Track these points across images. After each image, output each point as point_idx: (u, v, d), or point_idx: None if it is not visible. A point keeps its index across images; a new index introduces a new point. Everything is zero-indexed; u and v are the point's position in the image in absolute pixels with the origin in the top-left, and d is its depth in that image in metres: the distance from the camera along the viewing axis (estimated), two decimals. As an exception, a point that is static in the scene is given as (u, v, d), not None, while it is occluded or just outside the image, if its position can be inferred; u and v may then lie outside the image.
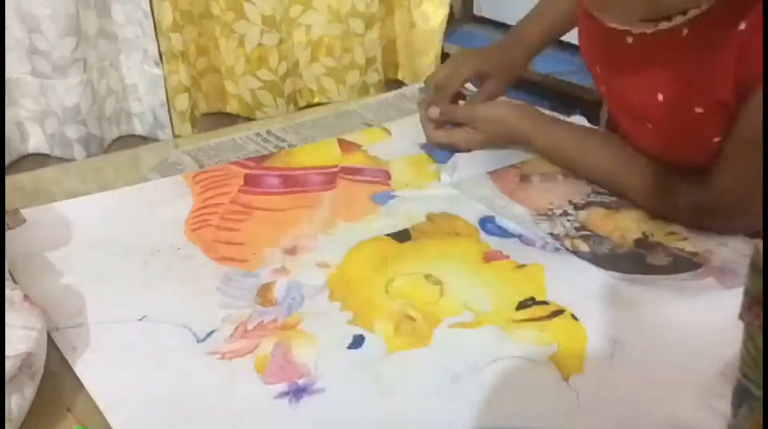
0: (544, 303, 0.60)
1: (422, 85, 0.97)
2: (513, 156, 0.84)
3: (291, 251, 0.67)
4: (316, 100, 1.16)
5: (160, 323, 0.58)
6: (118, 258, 0.66)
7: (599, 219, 0.72)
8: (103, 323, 0.58)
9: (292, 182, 0.80)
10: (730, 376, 0.37)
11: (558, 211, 0.73)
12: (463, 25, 1.47)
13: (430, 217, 0.72)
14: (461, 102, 0.87)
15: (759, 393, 0.34)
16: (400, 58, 1.24)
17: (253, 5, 1.04)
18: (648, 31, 0.65)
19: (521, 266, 0.64)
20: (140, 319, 0.58)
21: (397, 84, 1.24)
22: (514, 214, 0.72)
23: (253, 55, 1.07)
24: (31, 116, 0.95)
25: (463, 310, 0.59)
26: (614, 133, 0.81)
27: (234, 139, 0.91)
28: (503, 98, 0.87)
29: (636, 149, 0.74)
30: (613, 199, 0.75)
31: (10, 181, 0.82)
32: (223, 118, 1.11)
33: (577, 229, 0.70)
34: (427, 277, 0.63)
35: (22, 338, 0.48)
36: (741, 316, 0.35)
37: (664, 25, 0.64)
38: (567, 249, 0.67)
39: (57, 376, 0.52)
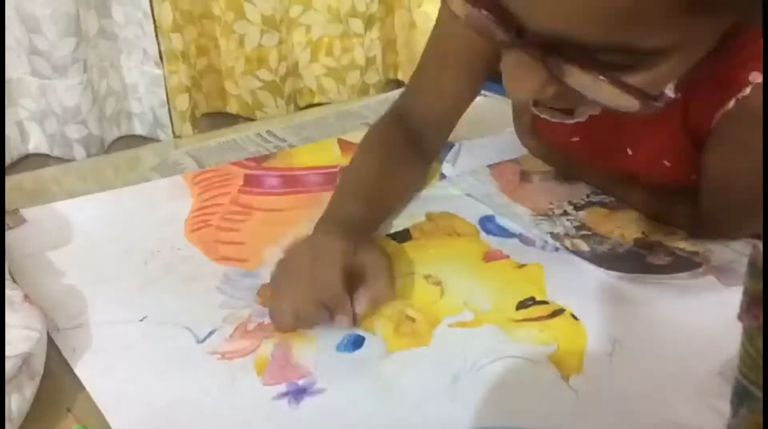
0: (544, 303, 0.60)
1: None
2: (514, 150, 0.84)
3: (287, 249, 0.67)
4: (316, 100, 1.16)
5: (160, 324, 0.58)
6: (119, 258, 0.66)
7: (599, 219, 0.72)
8: (104, 324, 0.58)
9: (292, 182, 0.80)
10: (729, 376, 0.37)
11: (558, 211, 0.73)
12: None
13: (430, 217, 0.72)
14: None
15: (759, 393, 0.34)
16: (400, 59, 1.24)
17: (253, 5, 1.04)
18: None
19: (521, 266, 0.64)
20: (141, 320, 0.58)
21: (397, 84, 1.24)
22: (514, 214, 0.72)
23: (253, 55, 1.07)
24: (31, 116, 0.95)
25: (463, 309, 0.59)
26: None
27: (234, 139, 0.92)
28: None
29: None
30: (613, 198, 0.75)
31: (10, 181, 0.82)
32: (223, 119, 1.11)
33: (577, 228, 0.70)
34: (427, 277, 0.63)
35: (22, 338, 0.48)
36: (740, 317, 0.34)
37: None
38: (567, 249, 0.67)
39: (57, 376, 0.52)
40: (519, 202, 0.75)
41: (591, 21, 0.41)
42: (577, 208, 0.74)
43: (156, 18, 0.96)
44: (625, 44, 0.42)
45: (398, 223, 0.71)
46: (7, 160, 0.94)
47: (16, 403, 0.46)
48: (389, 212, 0.71)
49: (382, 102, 1.03)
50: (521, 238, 0.69)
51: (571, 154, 0.76)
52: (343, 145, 0.88)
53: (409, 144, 0.74)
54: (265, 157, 0.85)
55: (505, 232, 0.70)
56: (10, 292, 0.52)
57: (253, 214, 0.74)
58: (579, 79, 0.44)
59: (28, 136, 0.97)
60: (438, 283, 0.62)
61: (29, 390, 0.47)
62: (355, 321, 0.56)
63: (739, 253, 0.66)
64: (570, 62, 0.43)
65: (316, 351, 0.55)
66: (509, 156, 0.84)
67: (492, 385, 0.51)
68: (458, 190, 0.77)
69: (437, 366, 0.53)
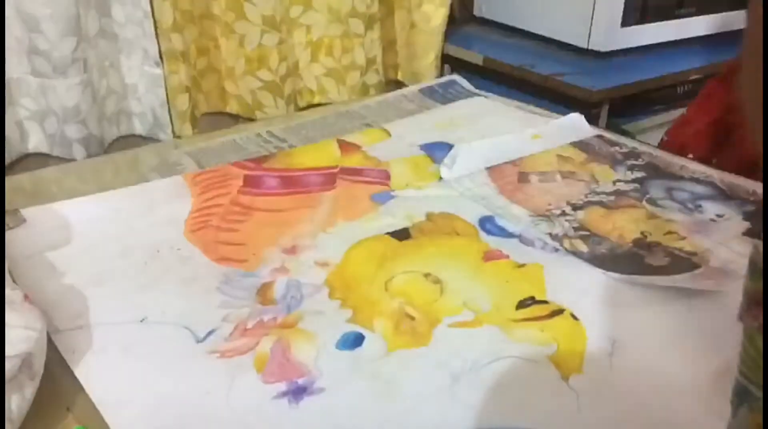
0: (544, 302, 0.60)
1: (422, 86, 0.97)
2: (512, 151, 0.84)
3: (290, 251, 0.67)
4: (316, 100, 1.16)
5: (160, 324, 0.58)
6: (118, 258, 0.66)
7: (598, 219, 0.72)
8: (103, 325, 0.58)
9: (292, 183, 0.80)
10: (729, 376, 0.37)
11: (556, 212, 0.73)
12: (463, 25, 1.47)
13: (430, 217, 0.72)
14: None
15: (759, 393, 0.34)
16: (400, 59, 1.24)
17: (253, 5, 1.04)
18: None
19: (521, 266, 0.64)
20: (141, 321, 0.58)
21: (397, 85, 1.24)
22: (512, 215, 0.73)
23: (254, 55, 1.07)
24: (31, 116, 0.95)
25: (463, 309, 0.59)
26: None
27: (234, 139, 0.92)
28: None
29: None
30: (612, 198, 0.76)
31: (10, 181, 0.82)
32: (223, 119, 1.11)
33: (575, 229, 0.70)
34: (427, 275, 0.63)
35: (22, 338, 0.48)
36: (740, 318, 0.35)
37: None
38: (566, 249, 0.67)
39: (57, 377, 0.52)
40: (517, 204, 0.75)
41: None
42: (575, 208, 0.74)
43: (156, 18, 0.96)
44: None
45: (398, 223, 0.71)
46: (7, 160, 0.94)
47: (16, 403, 0.46)
48: None
49: (382, 102, 1.03)
50: (521, 238, 0.69)
51: None
52: (343, 145, 0.88)
53: None
54: (265, 158, 0.85)
55: (504, 232, 0.70)
56: (10, 292, 0.52)
57: (253, 214, 0.74)
58: None
59: (28, 135, 0.97)
60: (437, 282, 0.62)
61: (29, 390, 0.47)
62: None
63: (738, 253, 0.66)
64: None
65: (315, 349, 0.55)
66: (507, 158, 0.84)
67: (492, 385, 0.51)
68: (457, 191, 0.77)
69: (437, 366, 0.53)
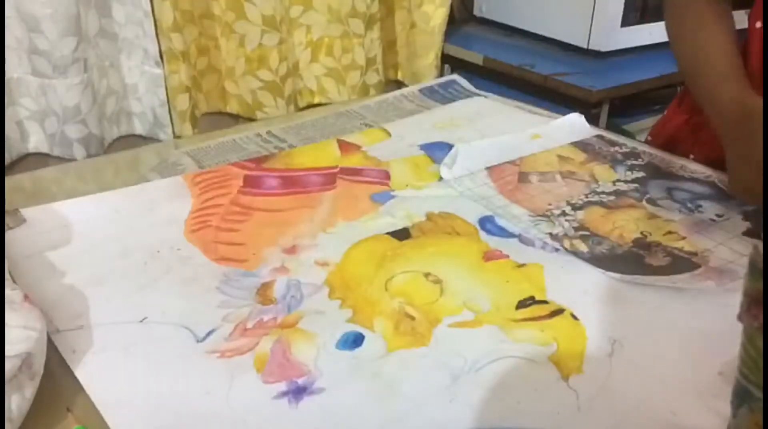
0: (544, 302, 0.60)
1: (422, 86, 0.97)
2: (512, 151, 0.84)
3: (290, 250, 0.67)
4: (317, 100, 1.16)
5: (160, 324, 0.58)
6: (118, 259, 0.66)
7: (597, 219, 0.72)
8: (103, 325, 0.58)
9: (292, 183, 0.80)
10: (729, 376, 0.37)
11: (556, 212, 0.73)
12: (463, 25, 1.47)
13: (430, 217, 0.72)
14: None
15: (759, 394, 0.34)
16: (400, 59, 1.25)
17: (253, 5, 1.04)
18: None
19: (521, 265, 0.64)
20: (141, 321, 0.58)
21: (397, 85, 1.24)
22: (512, 215, 0.73)
23: (254, 55, 1.07)
24: (32, 116, 0.95)
25: (463, 309, 0.59)
26: None
27: (234, 139, 0.92)
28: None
29: None
30: (612, 198, 0.76)
31: (10, 181, 0.82)
32: (223, 119, 1.11)
33: (575, 229, 0.70)
34: (427, 275, 0.63)
35: (22, 338, 0.48)
36: (740, 318, 0.35)
37: None
38: (566, 249, 0.67)
39: (57, 377, 0.52)
40: (517, 204, 0.75)
41: None
42: (575, 208, 0.74)
43: (156, 18, 0.96)
44: None
45: (398, 222, 0.71)
46: (7, 160, 0.94)
47: (16, 403, 0.46)
48: None
49: (382, 102, 1.03)
50: (521, 238, 0.69)
51: None
52: (343, 145, 0.88)
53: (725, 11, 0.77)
54: (265, 158, 0.85)
55: (504, 232, 0.70)
56: (10, 292, 0.52)
57: (253, 214, 0.74)
58: None
59: (28, 135, 0.97)
60: (437, 282, 0.62)
61: (29, 390, 0.47)
62: None
63: (738, 253, 0.66)
64: None
65: (315, 348, 0.55)
66: (507, 158, 0.84)
67: (492, 385, 0.51)
68: (457, 191, 0.77)
69: (437, 366, 0.53)
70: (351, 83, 1.16)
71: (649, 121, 1.25)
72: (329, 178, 0.81)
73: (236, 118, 1.11)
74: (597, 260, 0.65)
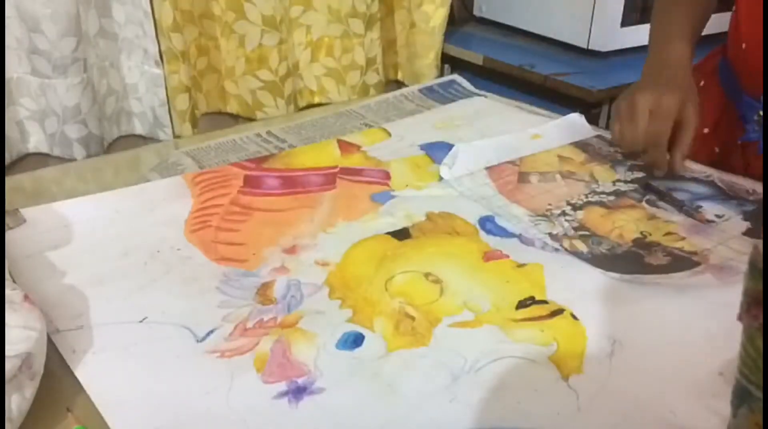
0: (544, 302, 0.60)
1: (422, 86, 0.97)
2: (512, 151, 0.84)
3: (290, 250, 0.67)
4: (316, 100, 1.16)
5: (160, 324, 0.58)
6: (119, 259, 0.66)
7: (597, 219, 0.72)
8: (103, 325, 0.58)
9: (292, 183, 0.80)
10: (729, 376, 0.37)
11: (556, 212, 0.73)
12: (463, 25, 1.47)
13: (430, 217, 0.72)
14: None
15: (759, 394, 0.34)
16: (400, 59, 1.25)
17: (253, 5, 1.04)
18: None
19: (521, 265, 0.64)
20: (141, 321, 0.58)
21: (397, 84, 1.24)
22: (512, 215, 0.73)
23: (254, 55, 1.07)
24: (32, 116, 0.95)
25: (463, 309, 0.59)
26: None
27: (234, 139, 0.92)
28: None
29: None
30: (612, 198, 0.76)
31: (10, 181, 0.82)
32: (223, 119, 1.11)
33: (575, 229, 0.70)
34: (427, 275, 0.63)
35: (22, 338, 0.48)
36: (740, 318, 0.35)
37: None
38: (566, 249, 0.67)
39: (57, 377, 0.52)
40: (517, 204, 0.75)
41: None
42: (575, 208, 0.74)
43: (156, 18, 0.96)
44: None
45: (398, 222, 0.71)
46: (7, 160, 0.94)
47: (16, 403, 0.46)
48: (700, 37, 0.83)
49: (382, 102, 1.03)
50: (521, 237, 0.69)
51: None
52: (343, 145, 0.88)
53: None
54: (265, 158, 0.85)
55: (504, 232, 0.70)
56: (10, 292, 0.52)
57: (253, 214, 0.74)
58: None
59: (28, 135, 0.97)
60: (437, 282, 0.62)
61: (29, 390, 0.47)
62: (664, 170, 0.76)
63: (737, 251, 0.66)
64: None
65: (315, 348, 0.55)
66: (507, 158, 0.84)
67: (492, 385, 0.51)
68: (457, 191, 0.77)
69: (437, 366, 0.53)
70: (351, 83, 1.16)
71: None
72: (329, 178, 0.81)
73: (236, 118, 1.11)
74: (597, 260, 0.65)
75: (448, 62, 1.35)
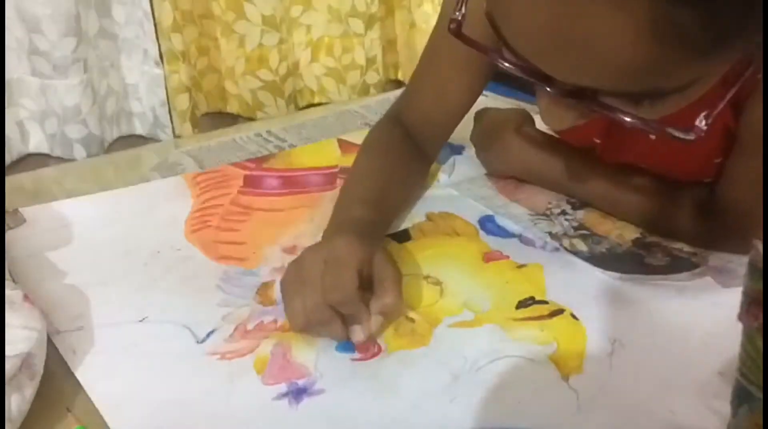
0: (544, 302, 0.60)
1: None
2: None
3: (291, 250, 0.67)
4: (317, 100, 1.16)
5: (161, 324, 0.58)
6: (119, 259, 0.66)
7: (597, 219, 0.72)
8: (103, 325, 0.58)
9: (292, 183, 0.80)
10: (729, 376, 0.37)
11: (556, 211, 0.73)
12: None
13: (430, 217, 0.72)
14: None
15: (759, 394, 0.34)
16: (400, 59, 1.24)
17: (253, 5, 1.04)
18: None
19: (521, 266, 0.64)
20: (141, 321, 0.58)
21: (398, 84, 1.24)
22: (512, 214, 0.73)
23: (254, 55, 1.06)
24: (32, 116, 0.95)
25: (463, 309, 0.59)
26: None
27: (234, 139, 0.92)
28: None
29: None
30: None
31: (10, 181, 0.82)
32: (223, 118, 1.11)
33: (575, 228, 0.70)
34: (427, 277, 0.63)
35: (22, 338, 0.48)
36: (740, 318, 0.35)
37: None
38: (566, 249, 0.67)
39: (57, 377, 0.52)
40: (517, 203, 0.75)
41: (614, 77, 0.42)
42: (575, 207, 0.74)
43: (156, 18, 0.96)
44: (647, 90, 0.43)
45: (398, 224, 0.71)
46: (7, 160, 0.94)
47: (16, 403, 0.46)
48: (395, 215, 0.71)
49: (382, 102, 1.03)
50: (521, 238, 0.69)
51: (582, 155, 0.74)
52: (343, 145, 0.88)
53: (409, 145, 0.73)
54: (265, 158, 0.85)
55: (504, 232, 0.70)
56: (10, 292, 0.52)
57: (253, 214, 0.74)
58: (611, 115, 0.45)
59: (29, 135, 0.97)
60: (438, 283, 0.62)
61: (29, 390, 0.47)
62: (366, 333, 0.54)
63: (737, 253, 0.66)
64: (600, 105, 0.45)
65: (315, 351, 0.55)
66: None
67: (492, 385, 0.51)
68: (457, 191, 0.77)
69: (437, 366, 0.53)
70: (351, 83, 1.16)
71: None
72: (329, 177, 0.81)
73: (236, 118, 1.11)
74: (596, 260, 0.65)
75: (449, 62, 1.35)
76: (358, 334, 0.54)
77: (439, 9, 1.16)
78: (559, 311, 0.59)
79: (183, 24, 1.00)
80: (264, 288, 0.62)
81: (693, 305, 0.59)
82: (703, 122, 0.44)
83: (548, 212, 0.73)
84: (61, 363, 0.54)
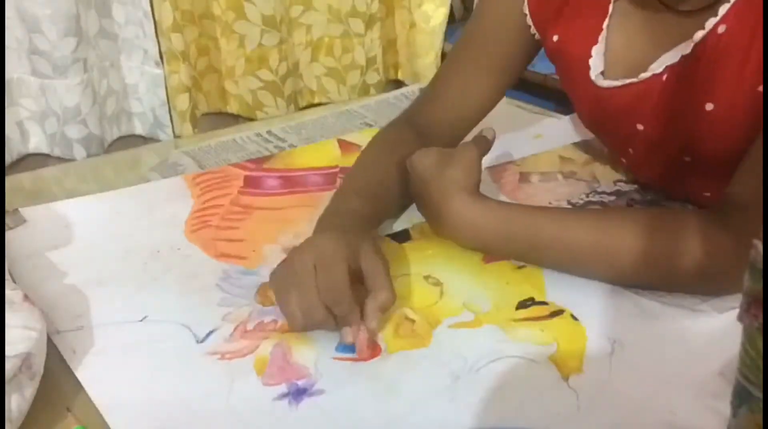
0: (544, 303, 0.60)
1: (422, 86, 0.97)
2: (514, 151, 0.84)
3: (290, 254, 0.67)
4: (317, 100, 1.16)
5: (161, 323, 0.58)
6: (119, 258, 0.66)
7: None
8: (104, 324, 0.58)
9: (292, 183, 0.80)
10: (729, 376, 0.37)
11: (558, 212, 0.73)
12: (463, 25, 1.47)
13: (430, 218, 0.72)
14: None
15: (759, 394, 0.34)
16: (400, 59, 1.24)
17: (253, 5, 1.04)
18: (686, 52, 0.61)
19: (521, 267, 0.64)
20: (141, 320, 0.58)
21: (398, 84, 1.24)
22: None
23: (254, 55, 1.07)
24: (32, 116, 0.95)
25: (463, 310, 0.59)
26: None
27: (234, 139, 0.92)
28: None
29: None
30: (612, 198, 0.75)
31: (10, 181, 0.82)
32: (223, 119, 1.11)
33: (576, 229, 0.70)
34: (427, 277, 0.63)
35: (22, 338, 0.48)
36: (740, 318, 0.34)
37: (698, 35, 0.60)
38: (567, 249, 0.67)
39: (57, 377, 0.52)
40: (518, 203, 0.75)
41: None
42: (576, 207, 0.74)
43: (156, 18, 0.96)
44: None
45: (398, 224, 0.71)
46: (7, 160, 0.94)
47: (16, 403, 0.46)
48: (393, 210, 0.71)
49: (382, 102, 1.03)
50: (521, 238, 0.69)
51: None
52: (343, 145, 0.88)
53: (418, 144, 0.73)
54: (265, 158, 0.85)
55: (505, 233, 0.70)
56: (10, 292, 0.52)
57: (253, 212, 0.74)
58: None
59: (28, 135, 0.97)
60: (438, 284, 0.62)
61: (29, 390, 0.47)
62: (355, 335, 0.54)
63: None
64: None
65: (315, 351, 0.54)
66: (508, 158, 0.84)
67: (492, 385, 0.51)
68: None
69: (437, 366, 0.53)
70: (351, 83, 1.16)
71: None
72: (330, 177, 0.81)
73: (236, 118, 1.11)
74: (597, 260, 0.65)
75: (449, 62, 1.35)
76: (348, 336, 0.54)
77: (439, 9, 1.16)
78: (559, 312, 0.59)
79: (183, 24, 1.00)
80: (264, 288, 0.62)
81: (693, 305, 0.59)
82: None
83: (548, 212, 0.73)
84: (61, 363, 0.54)
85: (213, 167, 0.84)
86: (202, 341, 0.56)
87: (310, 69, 1.14)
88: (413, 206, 0.74)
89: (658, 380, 0.52)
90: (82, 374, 0.53)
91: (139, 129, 1.05)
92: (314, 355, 0.54)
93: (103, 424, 0.48)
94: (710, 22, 0.59)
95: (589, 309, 0.59)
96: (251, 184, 0.79)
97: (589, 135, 0.89)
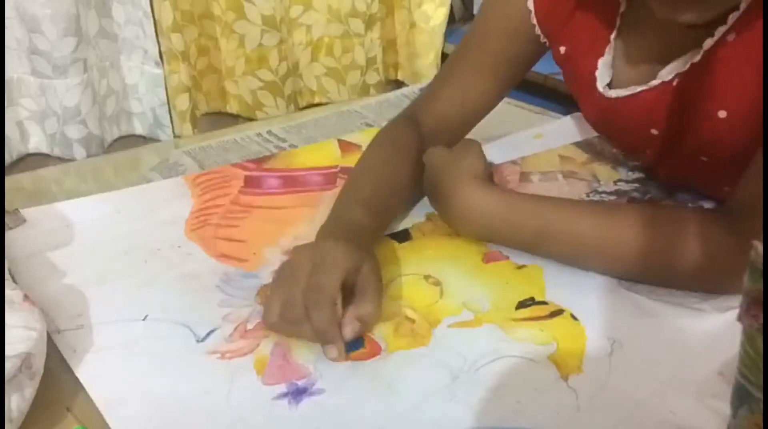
0: (544, 303, 0.60)
1: (422, 86, 0.97)
2: (514, 151, 0.84)
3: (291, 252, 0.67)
4: (317, 100, 1.16)
5: (161, 323, 0.58)
6: (119, 257, 0.66)
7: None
8: (104, 324, 0.58)
9: (292, 183, 0.80)
10: (729, 376, 0.37)
11: (558, 212, 0.73)
12: (463, 25, 1.47)
13: (430, 217, 0.72)
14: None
15: (759, 394, 0.34)
16: (400, 59, 1.24)
17: (253, 5, 1.04)
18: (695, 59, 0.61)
19: (521, 267, 0.64)
20: (141, 320, 0.58)
21: (398, 84, 1.24)
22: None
23: (254, 55, 1.07)
24: (32, 116, 0.95)
25: (463, 309, 0.59)
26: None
27: (234, 139, 0.92)
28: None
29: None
30: (613, 198, 0.75)
31: (10, 181, 0.82)
32: (223, 118, 1.11)
33: (576, 229, 0.70)
34: (427, 277, 0.63)
35: (22, 338, 0.48)
36: (740, 318, 0.34)
37: (708, 43, 0.60)
38: (567, 249, 0.67)
39: (57, 376, 0.52)
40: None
41: None
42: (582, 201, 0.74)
43: (156, 18, 0.96)
44: None
45: (398, 223, 0.71)
46: (7, 160, 0.94)
47: (16, 403, 0.46)
48: (394, 218, 0.71)
49: (382, 102, 1.03)
50: (521, 238, 0.69)
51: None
52: (343, 145, 0.88)
53: (420, 143, 0.73)
54: (266, 158, 0.85)
55: (505, 232, 0.70)
56: (10, 292, 0.52)
57: (253, 211, 0.74)
58: None
59: (28, 135, 0.97)
60: (437, 284, 0.62)
61: (29, 390, 0.47)
62: (340, 353, 0.53)
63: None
64: None
65: (315, 351, 0.54)
66: (508, 158, 0.84)
67: (491, 385, 0.51)
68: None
69: (437, 366, 0.53)
70: (351, 83, 1.16)
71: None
72: (330, 177, 0.81)
73: (236, 118, 1.11)
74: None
75: (449, 62, 1.35)
76: (332, 352, 0.53)
77: (439, 9, 1.16)
78: (558, 312, 0.59)
79: (183, 24, 1.00)
80: (265, 289, 0.62)
81: (693, 305, 0.59)
82: None
83: (548, 212, 0.73)
84: (61, 362, 0.54)
85: (213, 167, 0.84)
86: (202, 340, 0.56)
87: (310, 69, 1.14)
88: (413, 205, 0.74)
89: (658, 380, 0.52)
90: (82, 373, 0.53)
91: (139, 129, 1.05)
92: (314, 354, 0.54)
93: (103, 424, 0.48)
94: (719, 31, 0.59)
95: (589, 309, 0.59)
96: (252, 184, 0.79)
97: (589, 135, 0.89)
